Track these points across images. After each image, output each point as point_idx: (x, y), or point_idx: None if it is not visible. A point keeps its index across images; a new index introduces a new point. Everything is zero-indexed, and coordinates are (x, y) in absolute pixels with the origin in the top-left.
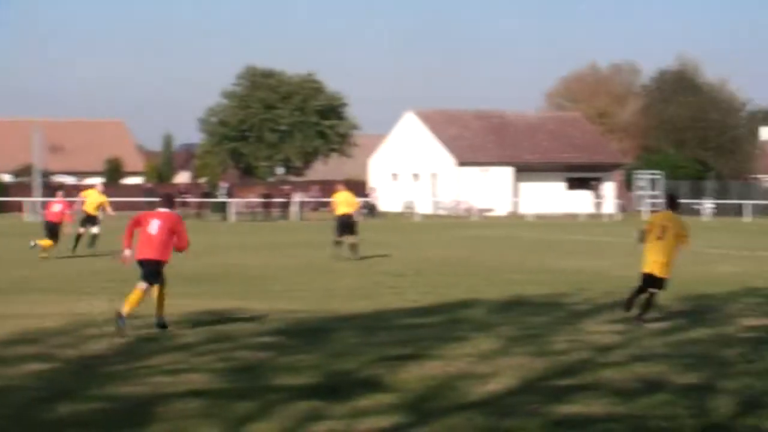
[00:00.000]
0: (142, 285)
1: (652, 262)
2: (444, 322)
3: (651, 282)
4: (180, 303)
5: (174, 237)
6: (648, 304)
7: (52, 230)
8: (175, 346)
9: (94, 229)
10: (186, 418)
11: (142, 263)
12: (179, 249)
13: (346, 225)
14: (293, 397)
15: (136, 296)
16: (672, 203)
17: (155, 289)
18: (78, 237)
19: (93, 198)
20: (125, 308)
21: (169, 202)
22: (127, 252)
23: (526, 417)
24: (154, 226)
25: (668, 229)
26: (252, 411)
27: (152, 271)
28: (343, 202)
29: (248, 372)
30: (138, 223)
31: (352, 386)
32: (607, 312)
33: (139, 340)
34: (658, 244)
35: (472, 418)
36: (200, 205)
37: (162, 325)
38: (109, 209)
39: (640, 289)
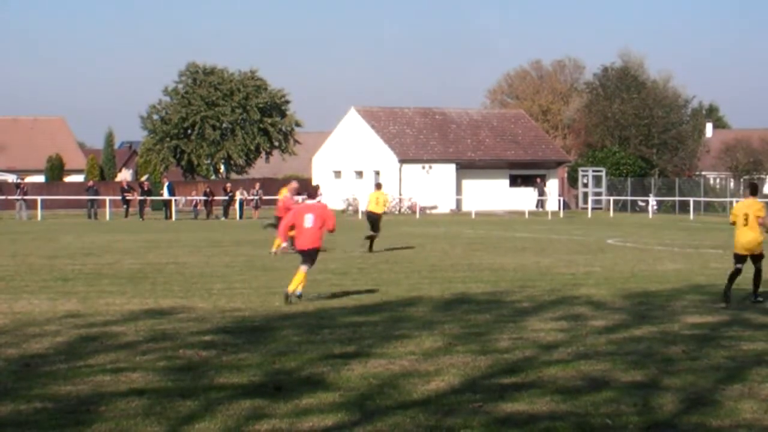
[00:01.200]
0: (304, 267)
1: (746, 244)
2: (387, 320)
3: (754, 259)
4: (121, 301)
5: (324, 223)
6: (758, 279)
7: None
8: (116, 345)
9: None
10: (128, 417)
11: (304, 252)
12: (329, 231)
13: (373, 221)
14: (236, 396)
15: (300, 276)
16: (752, 191)
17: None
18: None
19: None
20: (290, 287)
21: (315, 194)
22: (284, 245)
23: (469, 415)
24: (308, 219)
25: (749, 215)
26: (195, 410)
27: (313, 257)
28: (373, 201)
29: (191, 371)
30: (293, 221)
31: (295, 385)
32: (551, 309)
33: (80, 339)
34: (745, 229)
35: (415, 417)
36: (142, 203)
37: (299, 296)
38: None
39: (733, 276)
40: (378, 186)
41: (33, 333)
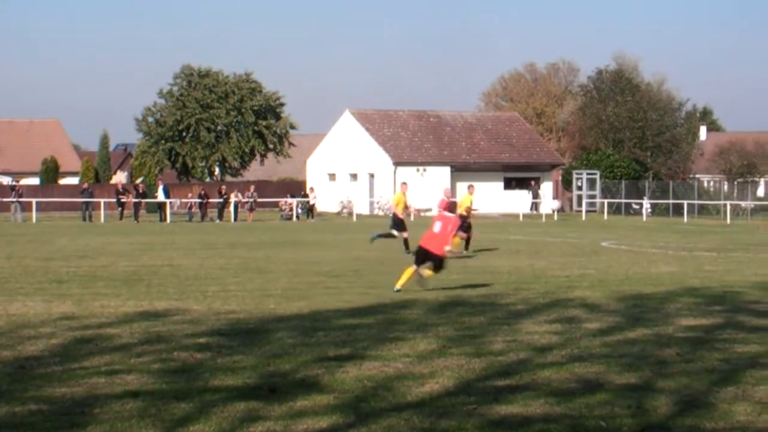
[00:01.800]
0: (414, 267)
1: None
2: (381, 323)
3: None
4: (116, 303)
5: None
6: None
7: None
8: (111, 347)
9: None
10: (123, 419)
11: (422, 251)
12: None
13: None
14: (231, 398)
15: (407, 275)
16: None
17: (424, 270)
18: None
19: (400, 199)
20: (399, 283)
21: (451, 208)
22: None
23: (463, 417)
24: (437, 226)
25: None
26: (189, 412)
27: (435, 263)
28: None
29: (185, 373)
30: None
31: (289, 387)
32: (545, 312)
33: (75, 341)
34: None
35: (409, 419)
36: (137, 206)
37: (398, 291)
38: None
39: None
40: (472, 188)
41: (28, 335)
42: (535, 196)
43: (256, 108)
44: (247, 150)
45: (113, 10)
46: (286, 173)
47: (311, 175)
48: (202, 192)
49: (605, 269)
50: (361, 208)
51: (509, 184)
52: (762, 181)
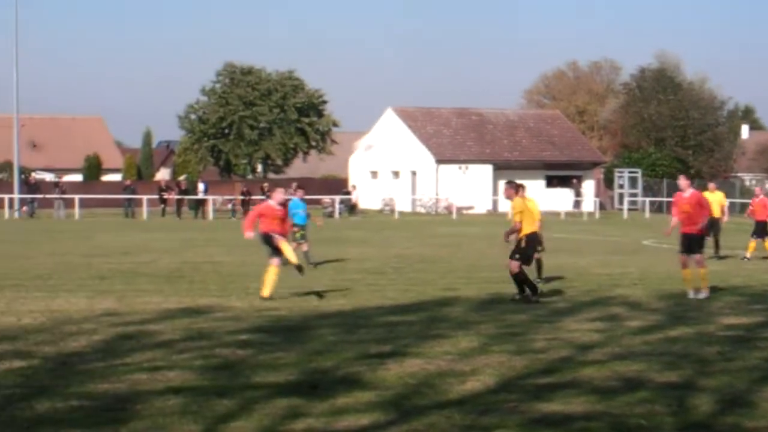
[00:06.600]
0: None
1: None
2: (423, 320)
3: None
4: (158, 300)
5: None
6: None
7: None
8: (154, 343)
9: None
10: (165, 415)
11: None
12: None
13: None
14: (272, 395)
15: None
16: None
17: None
18: None
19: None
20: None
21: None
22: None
23: (504, 415)
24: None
25: None
26: (231, 409)
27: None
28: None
29: (227, 369)
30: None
31: (331, 384)
32: (587, 310)
33: (117, 337)
34: None
35: (451, 416)
36: (179, 203)
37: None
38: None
39: None
40: (714, 185)
41: (70, 331)
42: (577, 194)
43: (298, 105)
44: (290, 147)
45: (155, 7)
46: (329, 171)
47: (354, 173)
48: (245, 189)
49: (647, 267)
50: (403, 205)
51: (551, 183)
52: None
